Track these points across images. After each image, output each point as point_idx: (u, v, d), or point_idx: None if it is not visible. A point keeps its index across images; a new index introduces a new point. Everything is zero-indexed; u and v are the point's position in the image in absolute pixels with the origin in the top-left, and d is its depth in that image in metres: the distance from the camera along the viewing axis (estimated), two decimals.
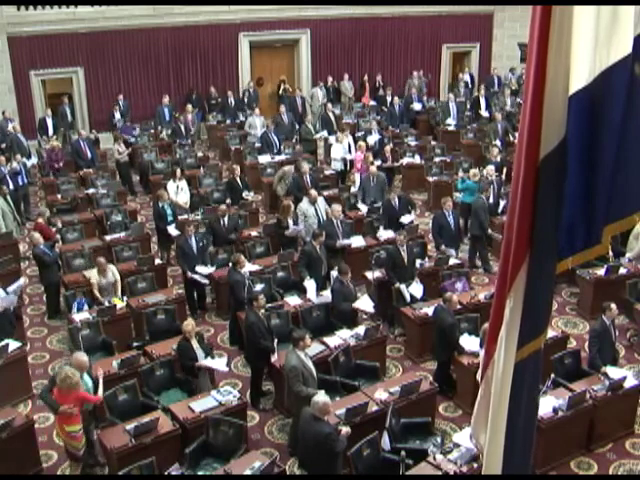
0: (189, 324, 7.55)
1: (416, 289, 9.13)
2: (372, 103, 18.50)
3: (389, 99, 17.65)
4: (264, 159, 14.32)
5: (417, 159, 14.26)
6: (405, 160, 14.22)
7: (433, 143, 15.72)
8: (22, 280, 9.45)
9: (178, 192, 12.00)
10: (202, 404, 6.91)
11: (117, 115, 16.33)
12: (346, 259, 10.01)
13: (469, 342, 7.86)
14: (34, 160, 14.33)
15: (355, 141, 14.37)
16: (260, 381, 8.02)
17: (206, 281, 9.72)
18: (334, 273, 9.06)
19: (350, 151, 14.07)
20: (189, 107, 16.34)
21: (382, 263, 9.60)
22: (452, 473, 5.93)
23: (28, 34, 15.92)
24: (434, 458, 6.09)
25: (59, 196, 12.68)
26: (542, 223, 2.67)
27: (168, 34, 17.40)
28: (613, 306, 7.73)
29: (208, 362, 7.58)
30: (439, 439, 6.46)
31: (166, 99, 16.65)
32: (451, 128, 16.53)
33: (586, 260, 2.86)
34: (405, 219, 11.10)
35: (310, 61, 19.12)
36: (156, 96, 17.21)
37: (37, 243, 9.70)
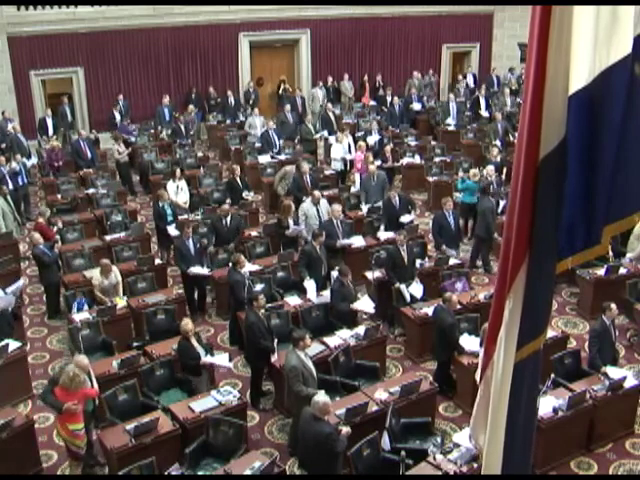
0: (188, 323, 7.56)
1: (416, 289, 9.13)
2: (372, 103, 18.51)
3: (389, 99, 17.65)
4: (264, 159, 14.32)
5: (417, 159, 14.26)
6: (405, 160, 14.22)
7: (433, 143, 15.72)
8: (21, 281, 9.43)
9: (178, 192, 12.00)
10: (202, 404, 6.90)
11: (117, 115, 16.31)
12: (346, 259, 10.01)
13: (469, 342, 7.86)
14: (34, 160, 14.34)
15: (355, 141, 14.37)
16: (260, 381, 8.02)
17: (205, 272, 9.67)
18: (334, 273, 9.05)
19: (350, 151, 14.07)
20: (190, 107, 16.36)
21: (382, 263, 9.59)
22: (452, 473, 5.93)
23: (28, 34, 15.92)
24: (434, 458, 6.09)
25: (59, 196, 12.67)
26: (542, 223, 2.67)
27: (168, 34, 17.40)
28: (613, 306, 7.72)
29: (211, 359, 7.63)
30: (439, 439, 6.46)
31: (166, 99, 16.65)
32: (451, 128, 16.53)
33: (586, 260, 2.86)
34: (405, 219, 11.10)
35: (310, 61, 19.12)
36: (156, 96, 17.22)
37: (37, 243, 9.70)
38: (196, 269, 9.59)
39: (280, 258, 10.01)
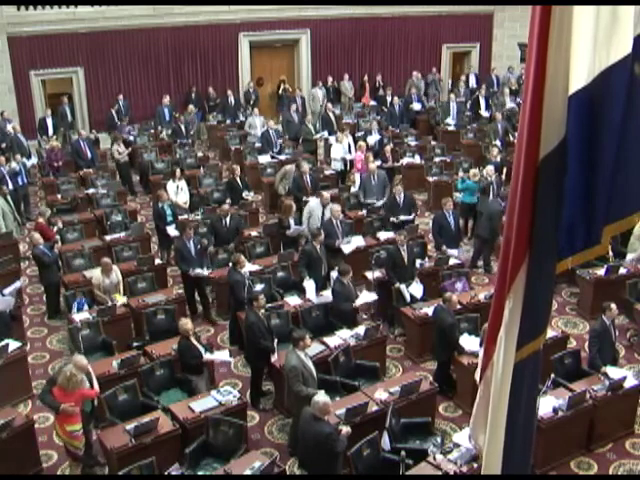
0: (187, 323, 7.56)
1: (416, 289, 9.13)
2: (372, 103, 18.51)
3: (389, 99, 17.66)
4: (264, 159, 14.32)
5: (417, 159, 14.26)
6: (405, 160, 14.22)
7: (433, 143, 15.72)
8: (19, 282, 9.39)
9: (178, 192, 11.99)
10: (202, 404, 6.90)
11: (114, 115, 16.29)
12: (346, 259, 10.00)
13: (469, 342, 7.86)
14: (34, 160, 14.34)
15: (355, 141, 14.37)
16: (260, 381, 8.02)
17: (206, 273, 9.63)
18: (334, 274, 9.05)
19: (350, 151, 14.07)
20: (190, 107, 16.35)
21: (382, 263, 9.59)
22: (452, 473, 5.93)
23: (28, 34, 15.92)
24: (434, 458, 6.09)
25: (59, 196, 12.67)
26: (542, 223, 2.67)
27: (168, 34, 17.40)
28: (613, 306, 7.72)
29: (212, 356, 7.66)
30: (439, 439, 6.46)
31: (166, 99, 16.66)
32: (451, 128, 16.53)
33: (586, 260, 2.86)
34: (404, 217, 11.07)
35: (310, 61, 19.12)
36: (156, 96, 17.22)
37: (37, 243, 9.70)
38: (198, 271, 9.58)
39: (280, 258, 10.01)
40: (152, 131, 16.29)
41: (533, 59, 2.54)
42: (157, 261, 10.43)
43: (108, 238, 10.90)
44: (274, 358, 7.69)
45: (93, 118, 17.06)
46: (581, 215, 2.65)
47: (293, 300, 9.04)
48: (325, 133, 15.61)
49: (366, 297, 8.97)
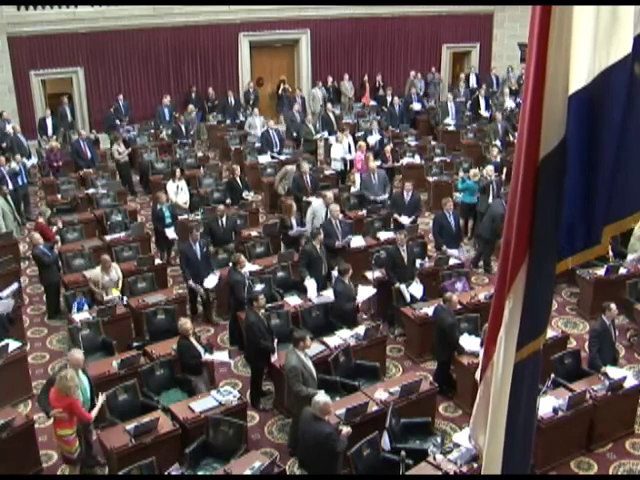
0: (186, 322, 7.56)
1: (416, 289, 9.13)
2: (372, 103, 18.51)
3: (389, 99, 17.66)
4: (264, 159, 14.33)
5: (417, 159, 14.25)
6: (405, 160, 14.21)
7: (433, 143, 15.72)
8: (16, 284, 9.34)
9: (178, 192, 11.99)
10: (202, 404, 6.90)
11: (113, 114, 16.31)
12: (346, 259, 10.00)
13: (469, 342, 7.86)
14: (34, 160, 14.34)
15: (355, 141, 14.37)
16: (260, 381, 8.02)
17: (214, 283, 9.53)
18: (334, 273, 9.05)
19: (350, 151, 14.07)
20: (190, 107, 16.35)
21: (382, 263, 9.60)
22: (452, 473, 5.93)
23: (28, 34, 15.92)
24: (434, 458, 6.09)
25: (59, 196, 12.67)
26: (542, 223, 2.67)
27: (168, 34, 17.40)
28: (613, 306, 7.72)
29: (212, 357, 7.67)
30: (439, 439, 6.46)
31: (166, 99, 16.66)
32: (451, 128, 16.53)
33: (586, 260, 2.86)
34: (404, 219, 11.09)
35: (310, 61, 19.12)
36: (156, 96, 17.22)
37: (37, 243, 9.70)
38: (209, 280, 9.40)
39: (280, 258, 10.01)
40: (152, 131, 16.29)
41: (533, 59, 2.54)
42: (157, 261, 10.42)
43: (108, 238, 10.90)
44: (274, 358, 7.69)
45: (93, 118, 17.06)
46: (581, 215, 2.65)
47: (293, 300, 9.04)
48: (325, 133, 15.61)
49: (366, 292, 8.99)
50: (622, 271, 9.67)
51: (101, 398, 6.58)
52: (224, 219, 10.65)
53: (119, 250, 10.34)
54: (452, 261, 10.03)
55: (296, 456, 6.97)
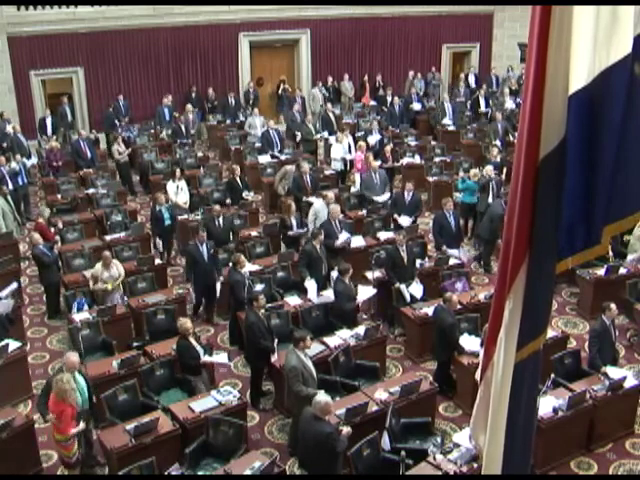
0: (186, 322, 7.56)
1: (416, 289, 9.13)
2: (372, 103, 18.51)
3: (389, 99, 17.66)
4: (264, 159, 14.32)
5: (417, 159, 14.26)
6: (405, 160, 14.22)
7: (433, 143, 15.72)
8: (15, 284, 9.31)
9: (178, 192, 11.99)
10: (202, 404, 6.90)
11: (112, 114, 16.31)
12: (346, 259, 10.00)
13: (469, 342, 7.86)
14: (34, 160, 14.34)
15: (355, 141, 14.37)
16: (260, 381, 8.02)
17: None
18: (334, 273, 9.05)
19: (350, 151, 14.07)
20: (189, 107, 16.34)
21: (382, 263, 9.60)
22: (452, 473, 5.93)
23: (28, 34, 15.92)
24: (434, 458, 6.09)
25: (59, 196, 12.67)
26: (542, 223, 2.67)
27: (168, 34, 17.40)
28: (613, 306, 7.72)
29: (211, 358, 7.66)
30: (439, 439, 6.46)
31: (167, 99, 16.67)
32: (451, 128, 16.53)
33: (586, 260, 2.86)
34: (404, 220, 11.08)
35: (310, 61, 19.12)
36: (156, 96, 17.22)
37: (37, 243, 9.70)
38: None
39: (280, 258, 10.01)
40: (152, 131, 16.29)
41: (533, 59, 2.54)
42: (157, 261, 10.42)
43: (108, 238, 10.89)
44: (274, 358, 7.69)
45: (93, 118, 17.06)
46: (581, 215, 2.65)
47: (293, 300, 9.04)
48: (325, 133, 15.61)
49: (365, 292, 9.00)
50: (622, 271, 9.68)
51: (82, 425, 6.40)
52: (221, 219, 10.65)
53: (119, 250, 10.33)
54: (452, 261, 10.03)
55: (296, 456, 6.97)
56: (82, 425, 6.37)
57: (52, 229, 10.65)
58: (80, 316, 8.58)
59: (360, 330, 8.26)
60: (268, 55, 18.97)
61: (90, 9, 16.41)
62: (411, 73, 19.15)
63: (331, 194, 10.99)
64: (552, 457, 6.78)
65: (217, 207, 10.89)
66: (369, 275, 9.57)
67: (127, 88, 17.33)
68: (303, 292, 9.20)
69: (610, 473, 6.86)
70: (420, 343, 8.67)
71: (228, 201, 12.01)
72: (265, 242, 10.66)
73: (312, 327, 8.19)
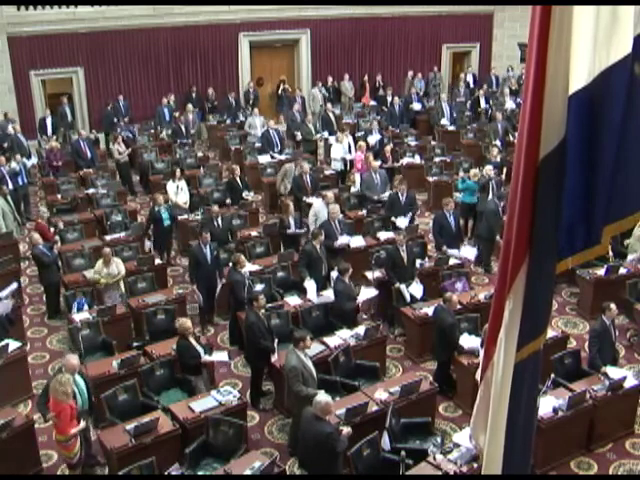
0: (187, 322, 7.56)
1: (416, 289, 9.13)
2: (372, 103, 18.52)
3: (389, 99, 17.67)
4: (264, 159, 14.33)
5: (417, 159, 14.26)
6: (405, 160, 14.22)
7: (433, 143, 15.72)
8: (15, 284, 9.30)
9: (178, 192, 11.99)
10: (202, 404, 6.90)
11: (111, 113, 16.31)
12: (346, 259, 10.00)
13: (469, 342, 7.86)
14: (34, 160, 14.34)
15: (355, 141, 14.37)
16: (260, 381, 8.02)
17: (201, 298, 9.38)
18: (334, 274, 9.05)
19: (350, 151, 14.07)
20: (189, 107, 16.35)
21: (382, 263, 9.60)
22: (452, 473, 5.93)
23: (28, 34, 15.92)
24: (434, 458, 6.09)
25: (59, 196, 12.68)
26: (542, 223, 2.67)
27: (168, 34, 17.40)
28: (613, 306, 7.72)
29: (211, 357, 7.66)
30: (439, 439, 6.46)
31: (170, 98, 16.70)
32: (451, 128, 16.53)
33: (586, 260, 2.86)
34: (401, 222, 11.06)
35: (310, 61, 19.12)
36: (156, 96, 17.22)
37: (37, 243, 9.70)
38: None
39: (280, 258, 10.01)
40: (152, 131, 16.29)
41: (533, 59, 2.54)
42: (157, 261, 10.42)
43: (108, 238, 10.89)
44: (274, 358, 7.69)
45: (93, 118, 17.07)
46: (581, 215, 2.65)
47: (293, 300, 9.04)
48: (325, 133, 15.61)
49: (367, 293, 9.02)
50: (622, 271, 9.67)
51: (82, 424, 6.39)
52: (220, 219, 10.65)
53: (119, 250, 10.32)
54: (452, 261, 10.03)
55: (296, 456, 6.96)
56: (82, 424, 6.37)
57: (52, 229, 10.64)
58: (80, 316, 8.58)
59: (360, 330, 8.26)
60: (268, 55, 18.98)
61: (90, 9, 16.41)
62: (410, 73, 19.18)
63: (330, 194, 10.99)
64: (552, 457, 6.78)
65: (215, 208, 10.88)
66: (369, 275, 9.57)
67: (127, 88, 17.34)
68: (303, 292, 9.20)
69: (610, 473, 6.86)
70: (420, 343, 8.67)
71: (228, 201, 12.01)
72: (265, 242, 10.66)
73: (312, 327, 8.19)
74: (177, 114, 16.56)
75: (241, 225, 11.35)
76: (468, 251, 10.49)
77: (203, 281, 9.37)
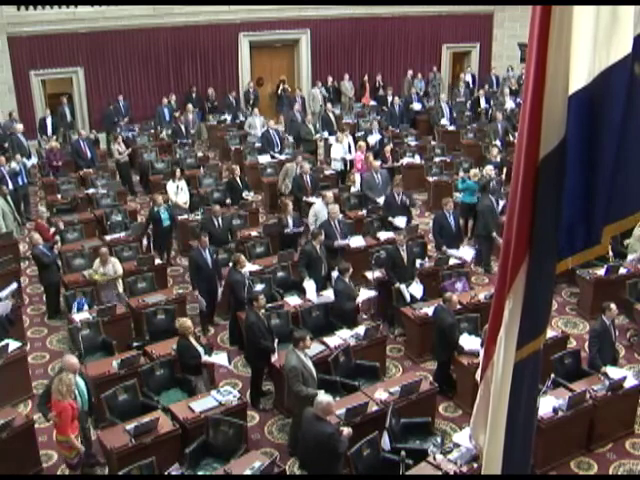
0: (187, 321, 7.56)
1: (416, 289, 9.13)
2: (372, 103, 18.52)
3: (389, 99, 17.67)
4: (264, 159, 14.33)
5: (417, 159, 14.26)
6: (405, 160, 14.22)
7: (433, 143, 15.72)
8: (15, 284, 9.28)
9: (178, 192, 11.99)
10: (202, 404, 6.90)
11: (112, 113, 16.32)
12: (346, 259, 10.00)
13: (469, 342, 7.86)
14: (34, 160, 14.34)
15: (355, 141, 14.38)
16: (260, 381, 8.02)
17: (204, 303, 9.33)
18: (334, 274, 9.05)
19: (350, 151, 14.07)
20: (189, 107, 16.35)
21: (382, 263, 9.60)
22: (452, 473, 5.93)
23: (28, 34, 15.92)
24: (434, 458, 6.09)
25: (59, 196, 12.68)
26: (542, 223, 2.67)
27: (168, 34, 17.41)
28: (613, 306, 7.72)
29: (211, 359, 7.66)
30: (439, 439, 6.46)
31: (171, 98, 16.69)
32: (451, 128, 16.53)
33: (586, 260, 2.86)
34: (399, 222, 11.06)
35: (310, 61, 19.13)
36: (156, 96, 17.22)
37: (37, 243, 9.70)
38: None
39: (280, 258, 10.01)
40: (152, 131, 16.29)
41: (533, 59, 2.54)
42: (157, 261, 10.42)
43: (108, 238, 10.89)
44: (274, 358, 7.69)
45: (93, 118, 17.07)
46: (581, 215, 2.65)
47: (293, 300, 9.04)
48: (325, 133, 15.61)
49: (366, 294, 9.04)
50: (622, 271, 9.67)
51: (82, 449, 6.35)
52: (220, 219, 10.64)
53: (119, 250, 10.33)
54: (452, 261, 10.03)
55: (296, 456, 6.97)
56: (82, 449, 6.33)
57: (53, 229, 10.64)
58: (80, 316, 8.58)
59: (360, 330, 8.26)
60: (268, 55, 18.98)
61: (90, 9, 16.42)
62: (410, 73, 19.18)
63: (330, 194, 10.99)
64: (552, 457, 6.78)
65: (216, 207, 10.88)
66: (369, 275, 9.57)
67: (127, 88, 17.34)
68: (303, 292, 9.20)
69: (610, 473, 6.86)
70: (420, 343, 8.67)
71: (228, 201, 12.00)
72: (265, 242, 10.66)
73: (312, 327, 8.19)
74: (177, 114, 16.58)
75: (241, 225, 11.35)
76: (466, 252, 10.47)
77: (204, 285, 9.31)
